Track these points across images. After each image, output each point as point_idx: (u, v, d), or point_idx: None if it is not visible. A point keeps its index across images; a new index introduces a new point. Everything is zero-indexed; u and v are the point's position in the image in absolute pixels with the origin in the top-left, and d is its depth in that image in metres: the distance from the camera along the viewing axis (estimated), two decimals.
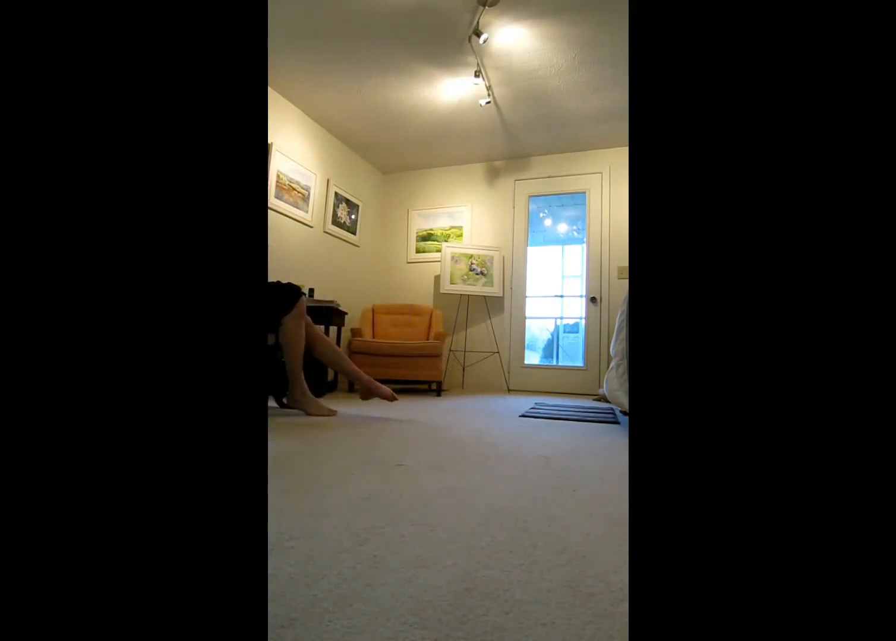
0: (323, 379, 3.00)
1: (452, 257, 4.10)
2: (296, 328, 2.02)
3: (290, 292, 2.04)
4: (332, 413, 2.12)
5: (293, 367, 2.06)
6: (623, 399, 1.94)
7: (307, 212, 3.68)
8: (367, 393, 2.23)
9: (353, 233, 4.30)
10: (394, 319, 4.10)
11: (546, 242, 4.44)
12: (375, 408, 2.45)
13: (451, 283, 4.05)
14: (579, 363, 4.10)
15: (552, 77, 3.08)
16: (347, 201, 4.19)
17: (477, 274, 4.12)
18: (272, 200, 3.32)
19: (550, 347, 4.45)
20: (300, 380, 2.10)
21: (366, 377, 2.21)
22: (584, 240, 4.16)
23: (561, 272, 4.37)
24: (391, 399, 2.21)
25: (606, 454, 1.44)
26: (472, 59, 2.90)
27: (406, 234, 4.66)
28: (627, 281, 3.80)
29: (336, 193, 4.02)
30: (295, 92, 3.38)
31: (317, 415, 2.07)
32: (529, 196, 4.35)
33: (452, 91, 3.28)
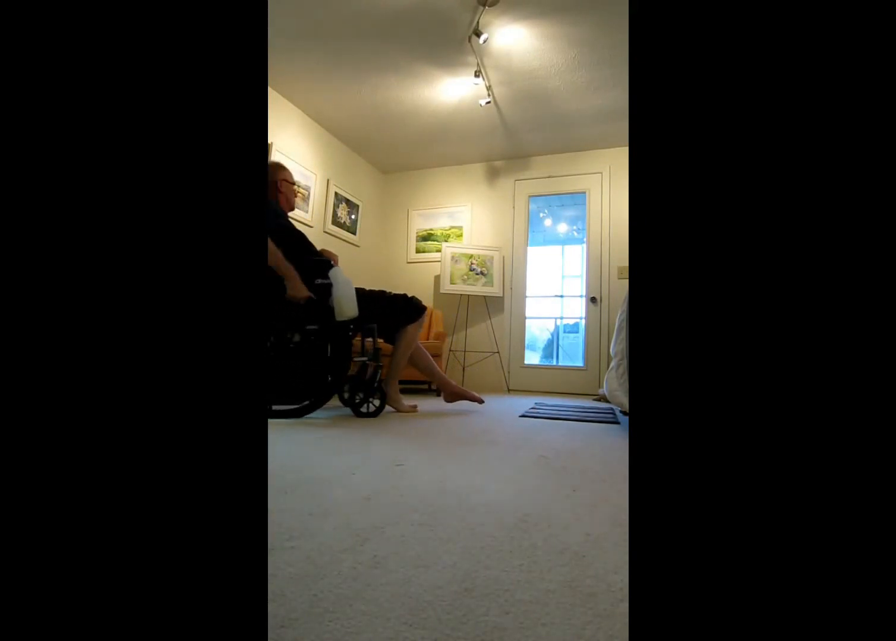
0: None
1: (452, 257, 4.10)
2: (415, 334, 2.34)
3: (418, 306, 2.34)
4: (413, 409, 2.38)
5: (399, 367, 2.32)
6: (623, 399, 1.94)
7: (307, 212, 3.68)
8: (455, 397, 2.51)
9: (353, 232, 4.30)
10: None
11: (546, 242, 4.44)
12: None
13: (451, 283, 4.05)
14: (579, 363, 4.10)
15: (552, 77, 3.07)
16: (347, 201, 4.19)
17: (477, 274, 4.12)
18: None
19: (550, 347, 4.45)
20: (397, 380, 2.34)
21: (453, 382, 2.52)
22: (584, 240, 4.16)
23: (561, 272, 4.37)
24: (480, 402, 2.55)
25: (606, 454, 1.44)
26: (472, 59, 2.90)
27: (406, 234, 4.66)
28: (627, 281, 3.80)
29: (336, 193, 4.02)
30: (295, 92, 3.38)
31: (403, 412, 2.32)
32: (529, 196, 4.35)
33: (452, 91, 3.28)
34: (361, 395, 2.16)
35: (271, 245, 1.97)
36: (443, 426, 1.93)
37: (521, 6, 2.44)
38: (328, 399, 2.06)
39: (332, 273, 2.08)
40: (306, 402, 2.02)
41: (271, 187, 2.27)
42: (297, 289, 1.97)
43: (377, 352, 2.20)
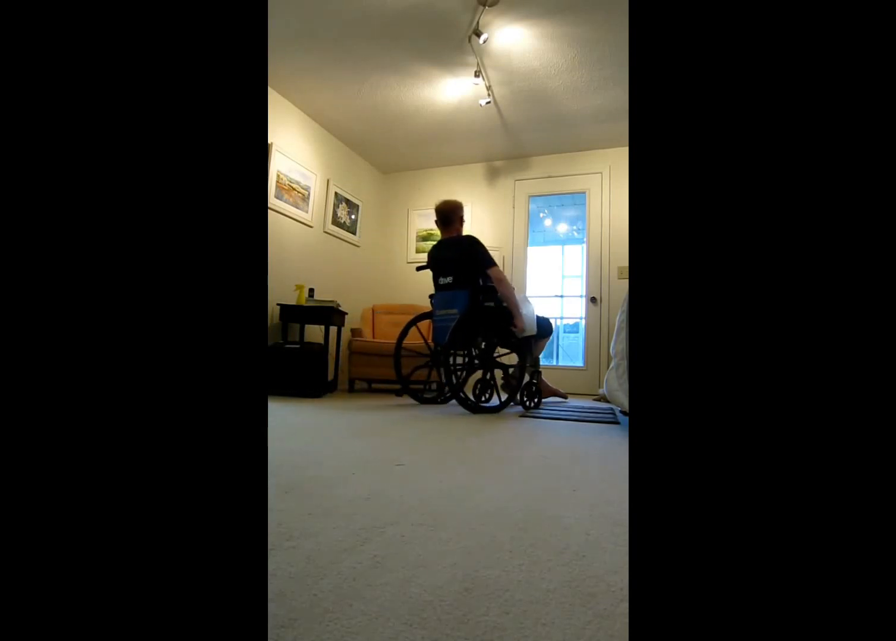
0: (324, 380, 3.02)
1: None
2: (544, 346, 3.03)
3: (550, 324, 2.99)
4: (561, 394, 3.24)
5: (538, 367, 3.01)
6: (623, 399, 1.94)
7: (307, 212, 3.68)
8: (548, 394, 3.09)
9: (354, 233, 4.30)
10: (394, 319, 4.10)
11: (546, 242, 4.44)
12: (372, 408, 2.45)
13: None
14: (579, 363, 4.10)
15: (552, 77, 3.07)
16: (347, 201, 4.19)
17: None
18: (272, 200, 3.32)
19: (550, 347, 4.45)
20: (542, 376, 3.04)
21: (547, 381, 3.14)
22: (584, 240, 4.16)
23: (561, 272, 4.37)
24: (565, 397, 3.28)
25: (606, 454, 1.44)
26: (472, 59, 2.90)
27: (406, 234, 4.66)
28: (627, 281, 3.80)
29: (336, 193, 4.02)
30: (295, 92, 3.38)
31: (550, 394, 3.16)
32: (529, 196, 4.35)
33: (452, 91, 3.28)
34: (526, 393, 2.70)
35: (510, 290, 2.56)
36: (443, 426, 1.93)
37: (521, 6, 2.44)
38: (515, 396, 2.63)
39: (519, 298, 2.66)
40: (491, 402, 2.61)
41: (458, 223, 2.79)
42: (520, 324, 2.52)
43: (536, 361, 2.83)
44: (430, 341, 2.86)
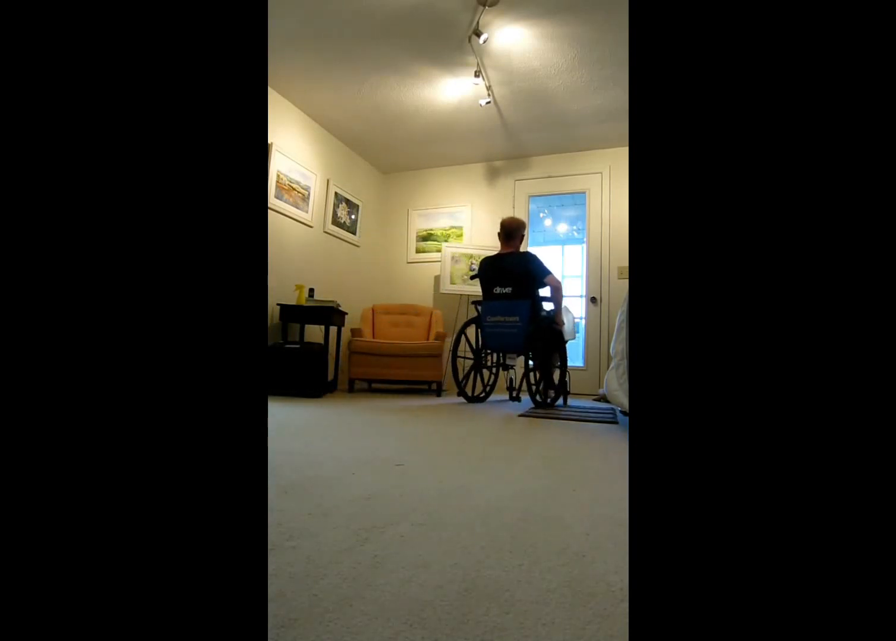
0: (323, 380, 3.01)
1: (452, 257, 4.10)
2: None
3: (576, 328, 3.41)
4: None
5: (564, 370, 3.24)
6: (623, 399, 1.94)
7: (307, 212, 3.68)
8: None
9: (354, 233, 4.30)
10: (394, 319, 4.10)
11: (546, 242, 4.44)
12: (372, 409, 2.45)
13: (451, 283, 4.05)
14: (579, 363, 4.10)
15: (552, 77, 3.07)
16: (347, 201, 4.19)
17: None
18: (272, 200, 3.32)
19: None
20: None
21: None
22: (584, 240, 4.16)
23: (561, 272, 4.37)
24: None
25: (606, 454, 1.44)
26: (472, 59, 2.90)
27: (406, 234, 4.66)
28: (627, 281, 3.80)
29: (336, 193, 4.02)
30: (295, 92, 3.38)
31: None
32: (529, 196, 4.35)
33: (452, 91, 3.28)
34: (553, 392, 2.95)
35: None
36: (443, 425, 1.93)
37: (521, 6, 2.44)
38: (561, 393, 2.92)
39: (564, 307, 2.97)
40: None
41: (519, 240, 3.01)
42: (561, 320, 2.85)
43: (565, 363, 3.09)
44: (475, 345, 3.12)
